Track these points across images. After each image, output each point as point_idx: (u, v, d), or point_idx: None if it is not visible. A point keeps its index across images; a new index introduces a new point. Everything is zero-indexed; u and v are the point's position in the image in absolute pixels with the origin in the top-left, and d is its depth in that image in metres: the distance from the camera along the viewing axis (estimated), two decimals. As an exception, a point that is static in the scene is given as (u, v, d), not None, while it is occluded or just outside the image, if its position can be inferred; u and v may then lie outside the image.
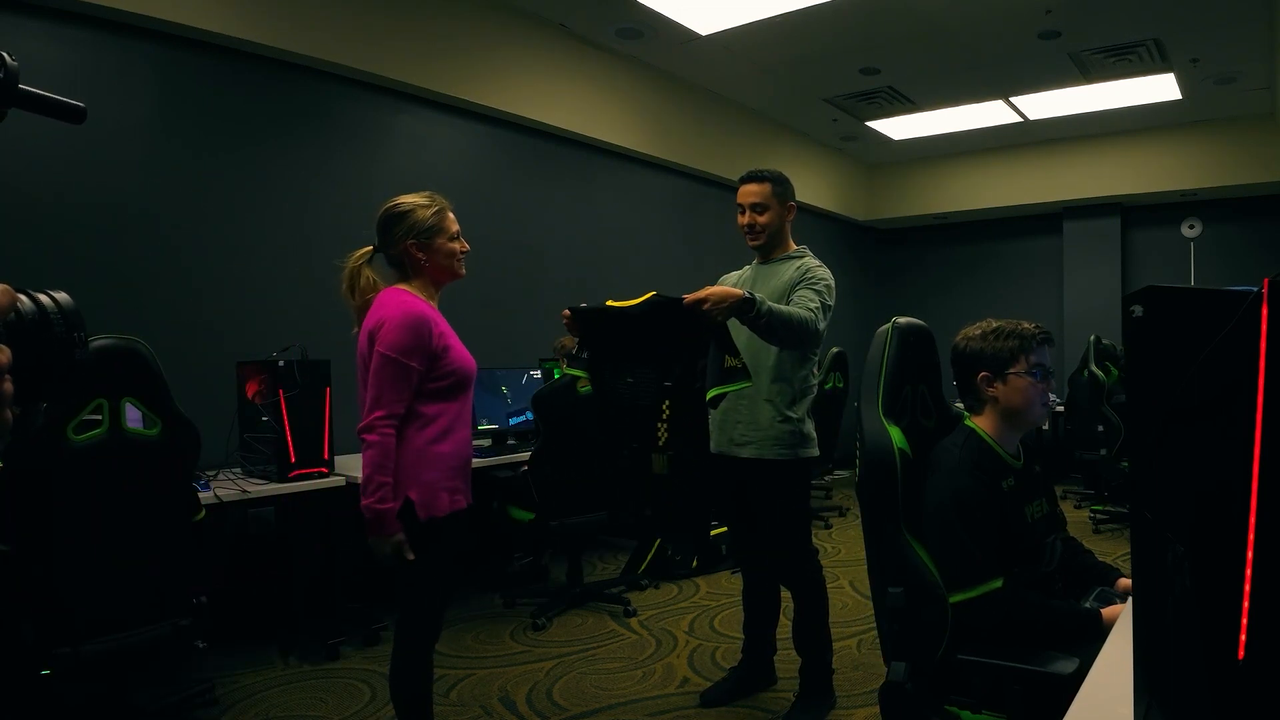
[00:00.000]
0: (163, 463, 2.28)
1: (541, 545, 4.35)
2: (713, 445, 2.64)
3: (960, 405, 1.92)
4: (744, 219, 2.66)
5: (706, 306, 2.14)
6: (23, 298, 0.62)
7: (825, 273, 2.57)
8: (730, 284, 2.77)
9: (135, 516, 2.25)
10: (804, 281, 2.53)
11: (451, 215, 2.11)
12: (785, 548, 2.63)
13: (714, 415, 2.63)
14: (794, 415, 2.56)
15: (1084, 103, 6.32)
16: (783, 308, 2.35)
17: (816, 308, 2.43)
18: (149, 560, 2.30)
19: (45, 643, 2.09)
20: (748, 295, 2.21)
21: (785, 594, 2.78)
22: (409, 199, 2.08)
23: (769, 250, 2.69)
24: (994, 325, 1.81)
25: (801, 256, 2.66)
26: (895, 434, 1.67)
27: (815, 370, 2.67)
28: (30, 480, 2.05)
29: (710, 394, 2.20)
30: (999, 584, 1.62)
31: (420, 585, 2.05)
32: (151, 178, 3.42)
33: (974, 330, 1.83)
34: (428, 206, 2.07)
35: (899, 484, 1.63)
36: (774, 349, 2.53)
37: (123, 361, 2.18)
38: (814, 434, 2.63)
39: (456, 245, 2.11)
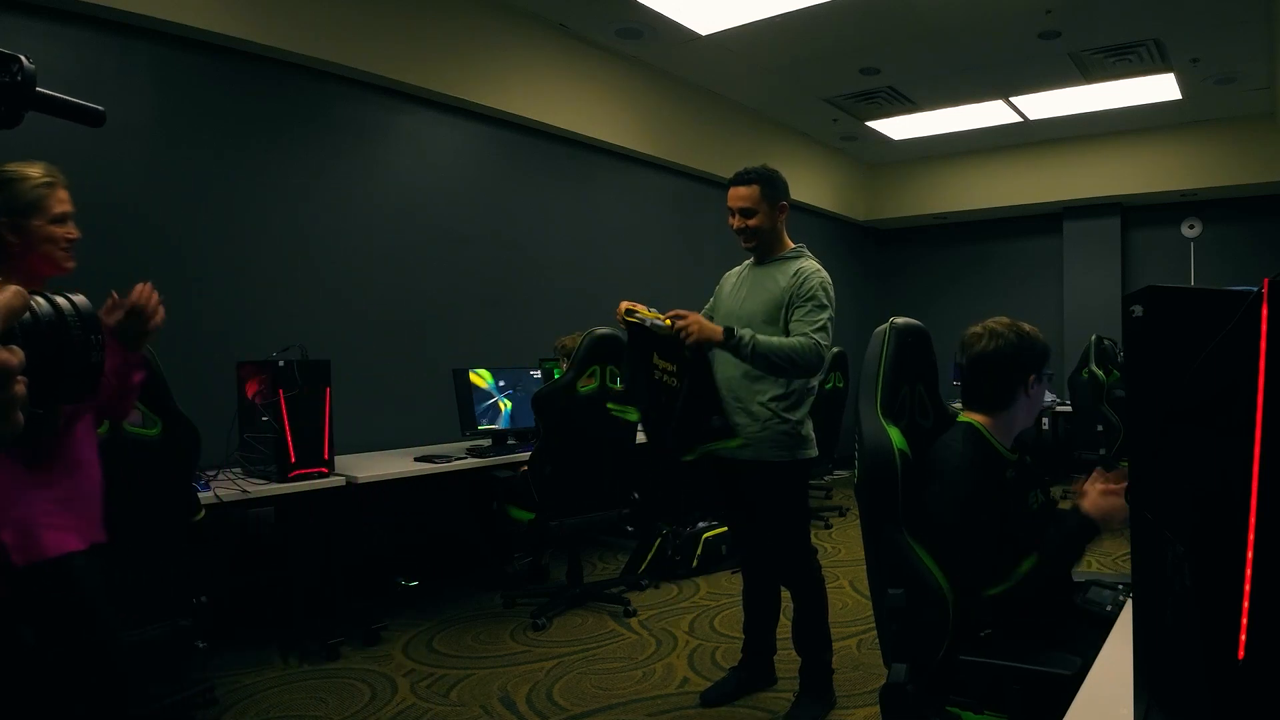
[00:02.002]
0: (162, 463, 2.28)
1: (541, 545, 4.35)
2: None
3: (958, 405, 1.91)
4: (734, 223, 2.62)
5: (682, 336, 2.40)
6: (40, 300, 0.62)
7: (822, 278, 2.54)
8: (730, 283, 2.78)
9: (135, 516, 2.24)
10: (801, 296, 2.50)
11: (65, 194, 1.73)
12: (785, 548, 2.63)
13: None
14: (793, 418, 2.55)
15: (1084, 103, 6.32)
16: (772, 340, 2.42)
17: (818, 329, 2.45)
18: (149, 560, 2.30)
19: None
20: (725, 331, 2.40)
21: (785, 594, 2.78)
22: (15, 166, 1.69)
23: (764, 252, 2.66)
24: (1018, 326, 1.81)
25: (798, 258, 2.62)
26: (895, 434, 1.67)
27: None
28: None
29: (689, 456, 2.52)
30: (1034, 560, 1.64)
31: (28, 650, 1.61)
32: (151, 178, 3.42)
33: (998, 327, 1.80)
34: (32, 179, 1.69)
35: (899, 485, 1.63)
36: None
37: None
38: (813, 435, 2.63)
39: (60, 230, 1.72)
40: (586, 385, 3.53)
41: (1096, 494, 1.70)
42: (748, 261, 2.77)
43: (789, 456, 2.55)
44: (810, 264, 2.60)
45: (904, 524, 1.64)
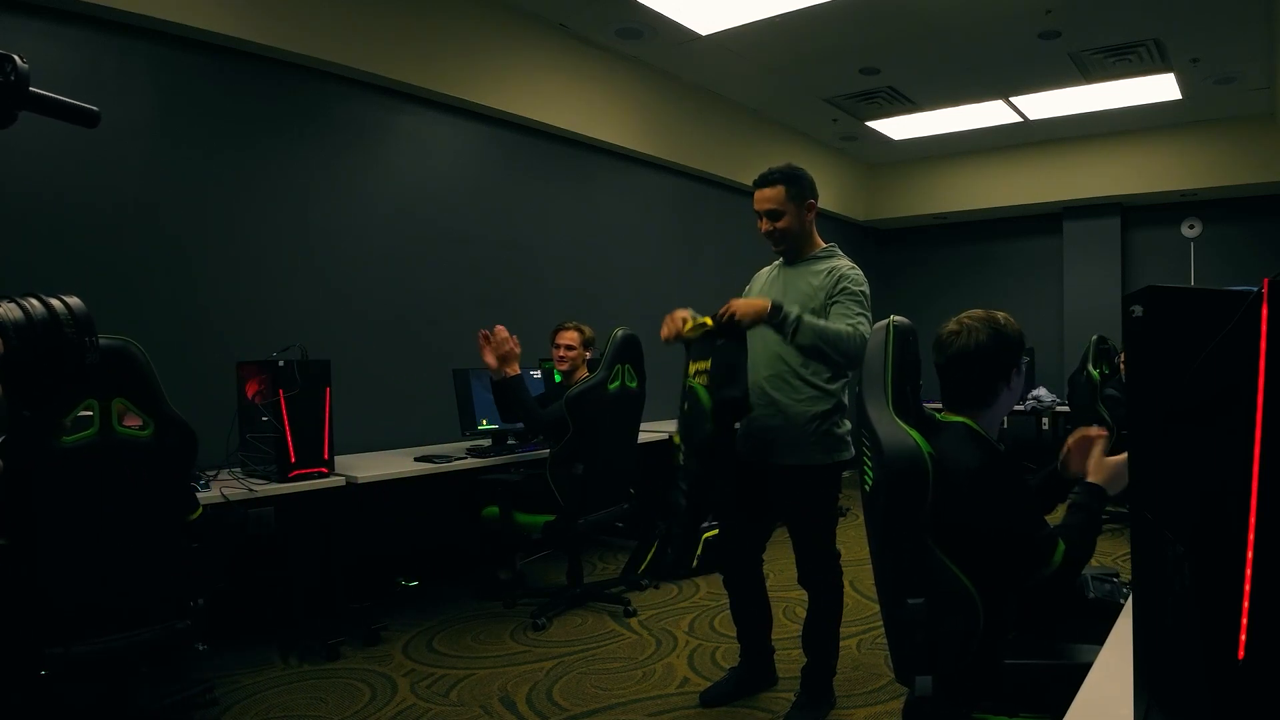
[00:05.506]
0: (155, 464, 2.25)
1: (514, 550, 4.31)
2: (746, 453, 2.62)
3: (934, 406, 1.87)
4: (763, 226, 2.57)
5: (734, 316, 2.31)
6: (34, 301, 0.62)
7: (859, 276, 2.51)
8: (760, 282, 2.75)
9: (127, 518, 2.23)
10: (837, 294, 2.46)
11: None
12: (812, 550, 2.61)
13: (747, 422, 2.60)
14: (831, 420, 2.54)
15: (1084, 103, 6.32)
16: (819, 321, 2.35)
17: (860, 321, 2.39)
18: (142, 562, 2.29)
19: (37, 642, 2.09)
20: (774, 304, 2.30)
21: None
22: None
23: (795, 253, 2.62)
24: (992, 318, 1.76)
25: (830, 257, 2.59)
26: (917, 437, 1.57)
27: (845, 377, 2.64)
28: (22, 480, 2.04)
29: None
30: (1062, 545, 1.63)
31: None
32: (151, 178, 3.42)
33: (973, 322, 1.76)
34: None
35: (930, 490, 1.54)
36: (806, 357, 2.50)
37: (114, 362, 2.15)
38: (848, 436, 2.59)
39: None
40: (614, 383, 3.60)
41: (1096, 460, 1.76)
42: (777, 262, 2.72)
43: (826, 459, 2.53)
44: (844, 263, 2.56)
45: (930, 532, 1.56)
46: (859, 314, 2.41)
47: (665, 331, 2.46)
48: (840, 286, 2.47)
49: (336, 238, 4.06)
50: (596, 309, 5.16)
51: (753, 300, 2.38)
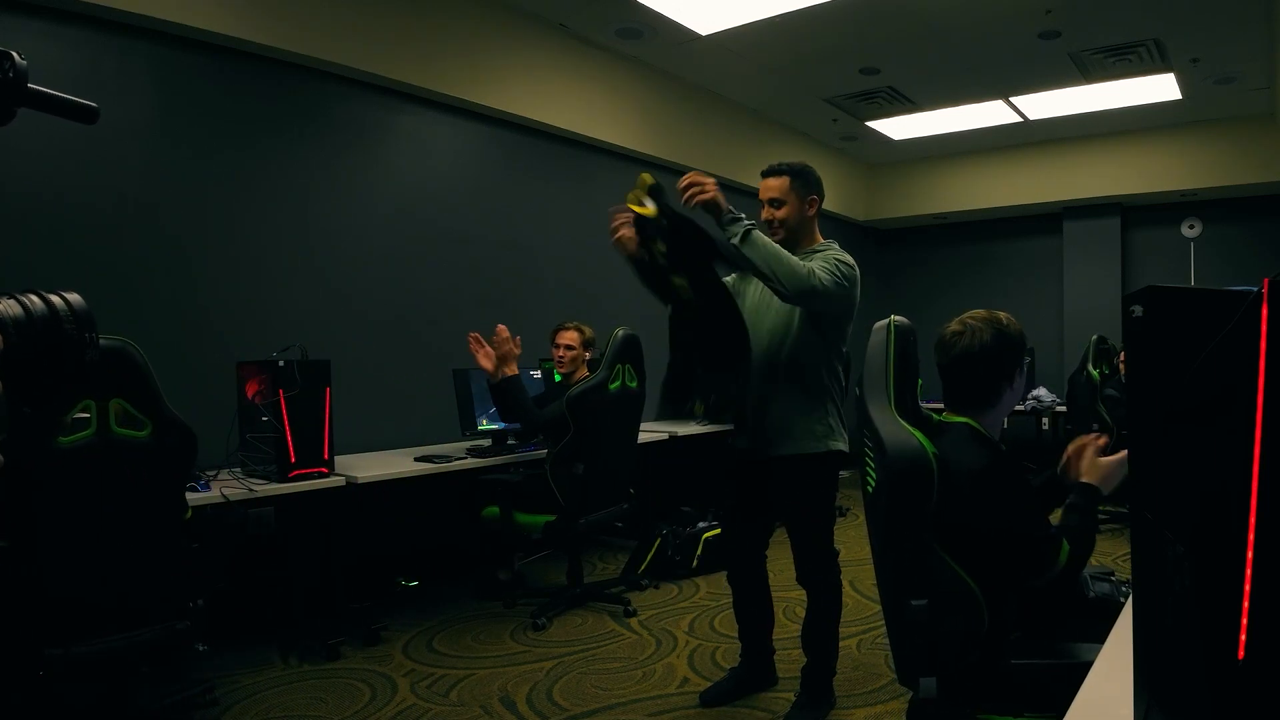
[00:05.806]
0: (153, 465, 2.25)
1: (514, 550, 4.31)
2: (741, 443, 2.64)
3: (935, 406, 1.86)
4: (764, 215, 2.62)
5: (687, 186, 2.38)
6: (33, 297, 0.62)
7: (847, 256, 2.54)
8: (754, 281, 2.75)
9: (127, 519, 2.23)
10: (822, 259, 2.50)
11: None
12: (809, 545, 2.61)
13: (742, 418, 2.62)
14: (824, 409, 2.56)
15: (1084, 103, 6.32)
16: (773, 244, 2.38)
17: (820, 269, 2.40)
18: (140, 563, 2.29)
19: (37, 642, 2.09)
20: (728, 208, 2.37)
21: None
22: None
23: (792, 246, 2.61)
24: (994, 319, 1.76)
25: (827, 249, 2.61)
26: (921, 437, 1.57)
27: (843, 368, 2.64)
28: (19, 479, 2.04)
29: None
30: (1066, 545, 1.63)
31: None
32: (151, 178, 3.42)
33: (975, 323, 1.76)
34: None
35: (934, 491, 1.53)
36: (798, 341, 2.52)
37: (112, 363, 2.14)
38: (843, 428, 2.60)
39: None
40: (615, 382, 3.62)
41: (1090, 460, 1.79)
42: None
43: (820, 448, 2.54)
44: (838, 252, 2.58)
45: (933, 533, 1.55)
46: (824, 268, 2.42)
47: (620, 229, 2.49)
48: (824, 255, 2.52)
49: (336, 238, 4.06)
50: (596, 309, 5.16)
51: (710, 186, 2.38)
